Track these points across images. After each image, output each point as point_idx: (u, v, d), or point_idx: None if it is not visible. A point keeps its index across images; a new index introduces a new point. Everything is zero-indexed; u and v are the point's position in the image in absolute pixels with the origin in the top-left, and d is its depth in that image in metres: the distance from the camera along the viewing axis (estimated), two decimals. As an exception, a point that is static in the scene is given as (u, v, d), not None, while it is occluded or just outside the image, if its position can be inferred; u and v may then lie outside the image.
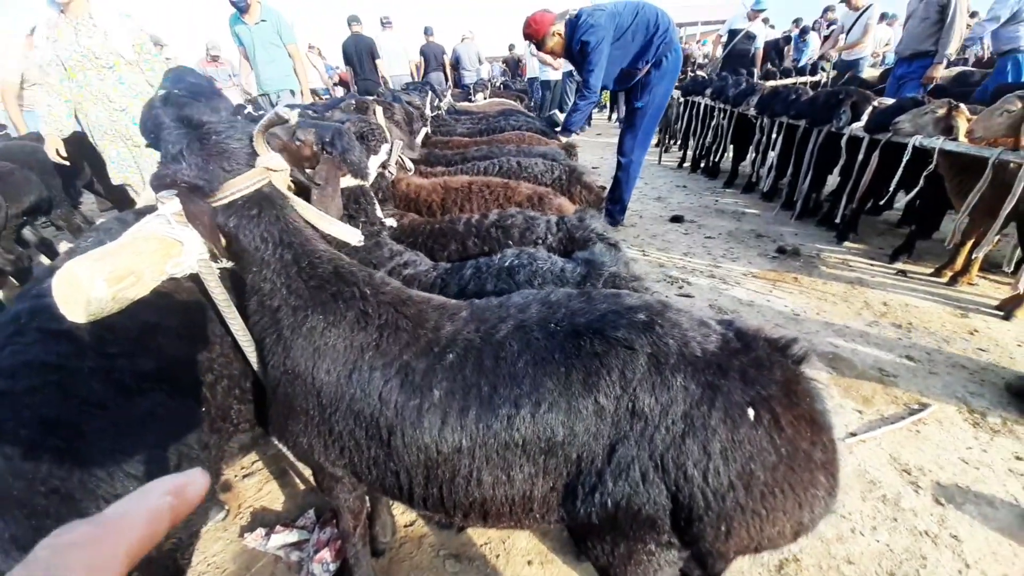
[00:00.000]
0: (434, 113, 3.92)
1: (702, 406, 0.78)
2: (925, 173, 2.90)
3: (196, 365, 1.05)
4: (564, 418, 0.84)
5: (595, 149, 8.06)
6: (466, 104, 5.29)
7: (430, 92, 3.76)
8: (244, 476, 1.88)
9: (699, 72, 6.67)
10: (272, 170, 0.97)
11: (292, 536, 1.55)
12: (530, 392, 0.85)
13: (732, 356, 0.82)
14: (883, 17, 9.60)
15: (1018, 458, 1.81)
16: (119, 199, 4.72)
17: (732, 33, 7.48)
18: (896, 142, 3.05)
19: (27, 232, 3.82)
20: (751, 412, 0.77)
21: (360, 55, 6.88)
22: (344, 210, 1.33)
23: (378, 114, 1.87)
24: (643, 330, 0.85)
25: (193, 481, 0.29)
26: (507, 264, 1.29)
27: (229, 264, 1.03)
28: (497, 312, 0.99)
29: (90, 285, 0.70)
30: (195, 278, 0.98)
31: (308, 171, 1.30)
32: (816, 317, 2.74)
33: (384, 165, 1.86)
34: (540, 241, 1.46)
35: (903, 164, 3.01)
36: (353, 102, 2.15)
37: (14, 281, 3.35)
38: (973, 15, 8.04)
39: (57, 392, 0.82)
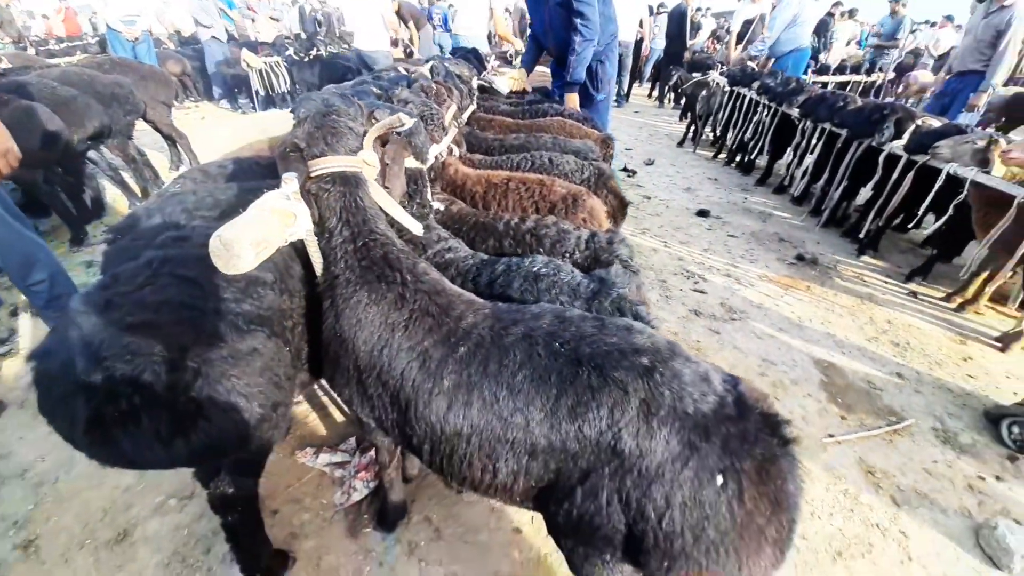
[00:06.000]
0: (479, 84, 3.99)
1: (676, 463, 0.84)
2: (955, 202, 2.95)
3: (283, 312, 1.28)
4: (548, 434, 0.93)
5: (630, 129, 7.98)
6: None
7: (476, 64, 3.83)
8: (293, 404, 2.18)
9: (750, 63, 6.50)
10: (367, 163, 1.17)
11: (337, 457, 1.84)
12: (524, 407, 0.95)
13: (721, 422, 0.86)
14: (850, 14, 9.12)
15: (980, 478, 1.98)
16: (168, 134, 4.96)
17: (747, 23, 7.35)
18: (931, 166, 3.09)
19: (94, 156, 4.06)
20: (719, 479, 0.82)
21: None
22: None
23: (450, 110, 2.02)
24: (642, 374, 0.89)
25: None
26: (535, 269, 1.41)
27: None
28: (513, 315, 1.08)
29: (241, 249, 0.93)
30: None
31: (379, 148, 1.48)
32: (820, 327, 2.90)
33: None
34: (568, 255, 1.56)
35: (935, 189, 3.06)
36: (423, 81, 2.29)
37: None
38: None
39: (191, 326, 1.06)
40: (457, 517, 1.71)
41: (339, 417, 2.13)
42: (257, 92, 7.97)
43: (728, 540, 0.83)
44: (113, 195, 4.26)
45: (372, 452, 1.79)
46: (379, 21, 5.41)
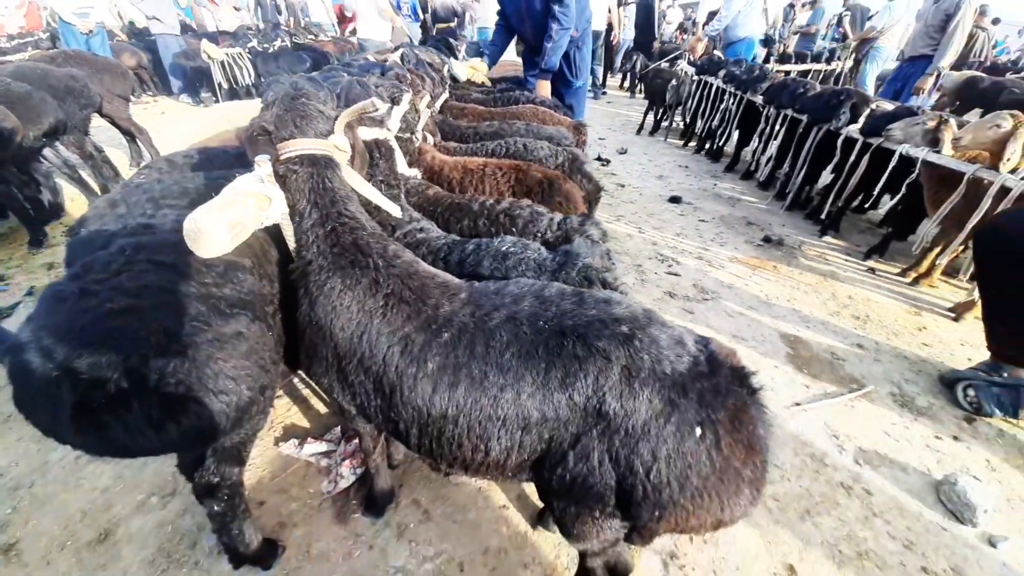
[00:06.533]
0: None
1: (660, 419, 0.90)
2: (907, 181, 3.12)
3: (264, 297, 1.27)
4: (541, 406, 0.97)
5: (603, 119, 8.07)
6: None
7: (448, 52, 3.81)
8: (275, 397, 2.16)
9: (716, 52, 6.66)
10: (338, 148, 1.17)
11: (322, 447, 1.84)
12: (513, 382, 0.98)
13: (696, 379, 0.93)
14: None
15: (937, 437, 2.12)
16: (127, 129, 4.75)
17: (711, 14, 7.61)
18: (886, 148, 3.25)
19: (48, 153, 3.85)
20: (699, 430, 0.89)
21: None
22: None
23: (422, 102, 2.01)
24: (622, 342, 0.95)
25: None
26: (504, 248, 1.44)
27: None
28: (493, 300, 1.09)
29: (216, 231, 0.92)
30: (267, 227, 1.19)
31: (351, 134, 1.47)
32: (786, 304, 3.03)
33: (411, 129, 2.02)
34: (539, 235, 1.59)
35: (889, 170, 3.23)
36: (395, 70, 2.27)
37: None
38: (996, 22, 8.01)
39: (174, 310, 1.05)
40: (445, 498, 1.74)
41: (322, 409, 2.12)
42: (220, 85, 7.70)
43: (710, 484, 0.90)
44: (71, 195, 4.07)
45: (357, 440, 1.80)
46: (374, 11, 5.71)
